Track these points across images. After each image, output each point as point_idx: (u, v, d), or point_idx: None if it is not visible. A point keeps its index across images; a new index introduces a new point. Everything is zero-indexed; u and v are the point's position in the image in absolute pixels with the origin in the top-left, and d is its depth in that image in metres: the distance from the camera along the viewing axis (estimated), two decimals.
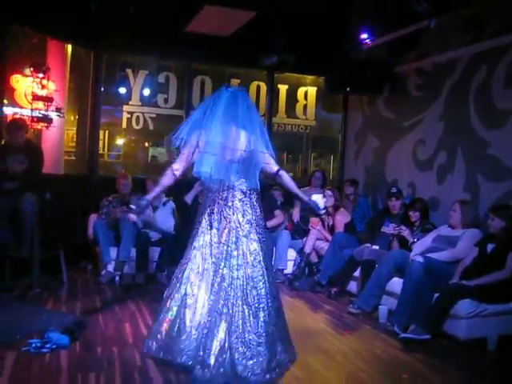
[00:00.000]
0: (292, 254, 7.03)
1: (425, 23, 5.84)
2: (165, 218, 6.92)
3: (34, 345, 3.91)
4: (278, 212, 7.17)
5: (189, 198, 6.89)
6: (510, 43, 5.61)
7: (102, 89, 7.73)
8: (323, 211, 4.21)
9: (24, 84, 6.73)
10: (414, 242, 5.63)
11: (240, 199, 3.77)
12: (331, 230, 6.77)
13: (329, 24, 6.76)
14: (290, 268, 6.95)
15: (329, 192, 6.80)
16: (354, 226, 6.86)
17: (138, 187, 6.95)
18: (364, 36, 6.77)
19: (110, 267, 6.43)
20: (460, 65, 6.33)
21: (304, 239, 6.85)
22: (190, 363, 3.52)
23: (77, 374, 3.51)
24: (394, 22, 6.29)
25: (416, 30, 6.19)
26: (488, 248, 4.91)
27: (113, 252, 6.45)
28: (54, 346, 3.93)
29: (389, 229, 6.14)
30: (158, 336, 3.71)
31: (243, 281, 3.60)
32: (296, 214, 7.43)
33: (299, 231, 7.23)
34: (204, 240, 3.77)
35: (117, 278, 6.42)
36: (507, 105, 5.66)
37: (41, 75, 6.71)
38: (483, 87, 5.98)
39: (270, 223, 6.94)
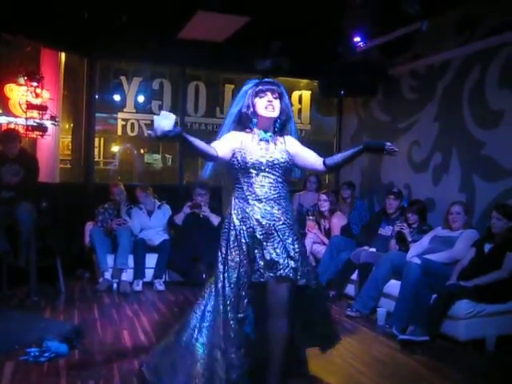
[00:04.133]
0: None
1: (417, 25, 5.87)
2: (161, 222, 6.94)
3: (32, 354, 3.90)
4: None
5: (179, 220, 6.87)
6: (502, 43, 5.62)
7: (96, 96, 7.73)
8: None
9: (18, 93, 6.71)
10: (412, 241, 5.66)
11: None
12: (328, 233, 6.77)
13: (322, 28, 6.77)
14: None
15: (323, 196, 6.79)
16: (351, 229, 6.86)
17: (133, 194, 7.01)
18: (357, 39, 6.80)
19: (108, 275, 6.43)
20: (453, 66, 6.35)
21: None
22: None
23: (76, 383, 3.50)
24: (387, 24, 6.32)
25: (408, 33, 6.22)
26: (485, 248, 4.91)
27: (110, 259, 6.45)
28: (53, 355, 3.91)
29: (386, 231, 6.16)
30: None
31: None
32: None
33: None
34: None
35: (114, 286, 6.42)
36: (501, 105, 5.68)
37: (35, 84, 6.70)
38: (477, 88, 5.99)
39: None
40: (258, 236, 3.22)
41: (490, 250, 4.87)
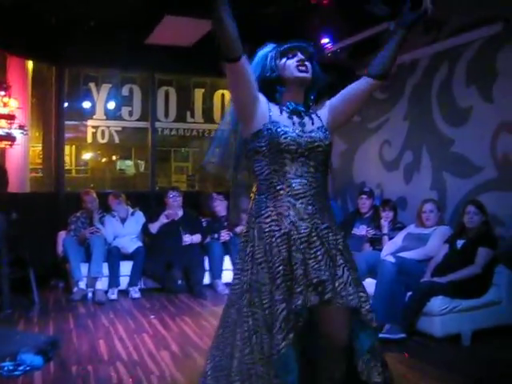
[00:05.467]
0: None
1: (385, 26, 5.91)
2: (134, 229, 6.89)
3: (6, 368, 3.82)
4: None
5: (154, 229, 6.81)
6: (469, 41, 5.69)
7: (66, 104, 7.65)
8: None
9: None
10: (387, 234, 5.80)
11: None
12: None
13: (290, 30, 6.78)
14: None
15: None
16: None
17: (106, 202, 6.96)
18: (325, 40, 6.83)
19: (82, 284, 6.35)
20: (421, 65, 6.42)
21: None
22: None
23: None
24: (355, 25, 6.35)
25: (376, 33, 6.26)
26: (458, 244, 4.96)
27: (84, 268, 6.38)
28: (28, 368, 3.84)
29: (360, 231, 6.19)
30: None
31: None
32: None
33: None
34: None
35: (89, 295, 6.34)
36: (468, 102, 5.75)
37: (2, 93, 6.61)
38: (445, 86, 6.06)
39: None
40: (298, 245, 2.33)
41: (462, 245, 4.92)
